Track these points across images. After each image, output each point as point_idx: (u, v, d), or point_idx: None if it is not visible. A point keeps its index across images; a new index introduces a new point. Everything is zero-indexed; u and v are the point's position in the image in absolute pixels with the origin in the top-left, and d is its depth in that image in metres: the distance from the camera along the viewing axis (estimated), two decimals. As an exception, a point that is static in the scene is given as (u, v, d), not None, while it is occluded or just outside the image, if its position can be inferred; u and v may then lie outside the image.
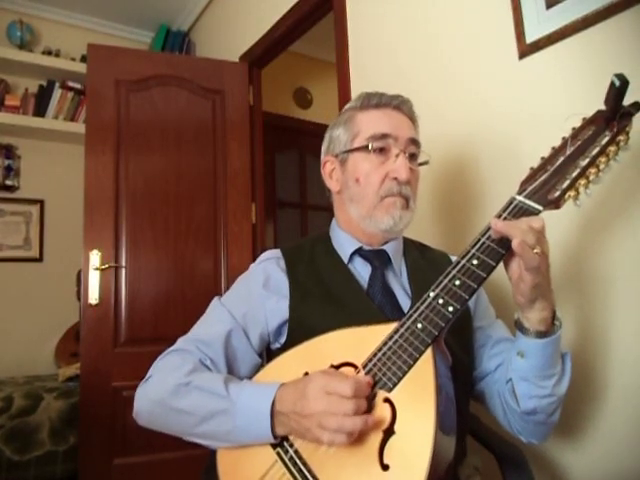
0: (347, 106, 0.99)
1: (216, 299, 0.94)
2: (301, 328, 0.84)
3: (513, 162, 1.20)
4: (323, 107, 3.52)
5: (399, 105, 0.94)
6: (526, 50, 1.16)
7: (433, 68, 1.45)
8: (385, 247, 0.94)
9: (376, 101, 0.93)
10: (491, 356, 0.90)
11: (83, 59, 2.91)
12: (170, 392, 0.77)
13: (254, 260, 0.99)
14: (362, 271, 0.93)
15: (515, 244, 0.64)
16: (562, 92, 1.09)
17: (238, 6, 2.63)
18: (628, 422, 0.96)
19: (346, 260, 0.93)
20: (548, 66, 1.13)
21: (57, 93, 2.90)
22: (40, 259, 2.93)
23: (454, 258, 0.72)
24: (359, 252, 0.94)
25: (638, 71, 0.93)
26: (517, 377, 0.78)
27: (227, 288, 0.98)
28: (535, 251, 0.64)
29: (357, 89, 1.76)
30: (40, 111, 2.86)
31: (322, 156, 1.01)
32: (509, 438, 0.96)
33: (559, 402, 0.78)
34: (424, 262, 0.97)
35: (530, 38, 1.15)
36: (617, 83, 0.66)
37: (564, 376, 0.77)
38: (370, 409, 0.66)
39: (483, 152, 1.28)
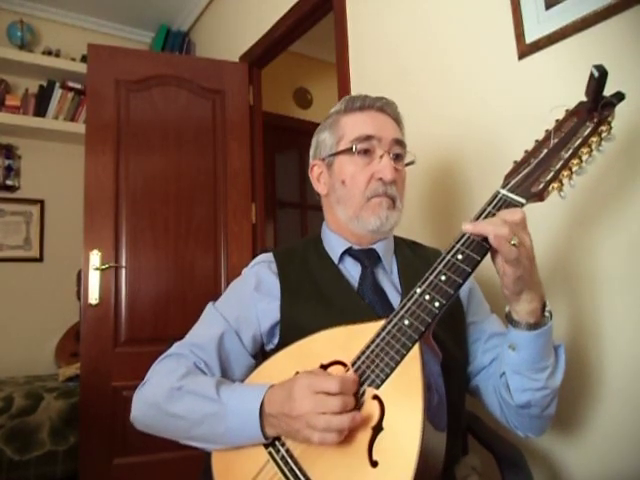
0: (332, 110, 1.00)
1: (210, 304, 0.95)
2: (293, 328, 0.84)
3: (512, 162, 1.20)
4: (323, 107, 3.52)
5: (383, 107, 0.95)
6: (526, 50, 1.16)
7: (433, 68, 1.45)
8: (375, 246, 0.94)
9: (360, 104, 0.94)
10: (485, 350, 0.90)
11: (83, 59, 2.91)
12: (164, 396, 0.79)
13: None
14: (352, 271, 0.94)
15: (490, 239, 0.65)
16: (562, 92, 1.09)
17: (238, 6, 2.63)
18: (625, 418, 0.96)
19: (336, 260, 0.94)
20: (548, 66, 1.13)
21: (57, 93, 2.90)
22: (40, 259, 2.93)
23: None
24: (349, 252, 0.95)
25: (638, 71, 0.94)
26: (510, 370, 0.78)
27: (227, 288, 0.98)
28: (512, 242, 0.64)
29: (357, 89, 1.76)
30: (40, 111, 2.86)
31: (310, 160, 1.02)
32: (508, 438, 0.96)
33: (554, 395, 0.78)
34: (415, 259, 0.98)
35: (530, 38, 1.15)
36: (596, 74, 0.66)
37: (557, 368, 0.77)
38: (359, 406, 0.67)
39: (483, 152, 1.28)
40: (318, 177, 1.00)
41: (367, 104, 0.94)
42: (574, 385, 1.01)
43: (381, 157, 0.90)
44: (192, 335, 0.91)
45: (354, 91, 1.77)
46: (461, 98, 1.35)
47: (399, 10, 1.58)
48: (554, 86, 1.11)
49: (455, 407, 0.78)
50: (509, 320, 0.75)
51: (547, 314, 0.73)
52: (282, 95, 3.45)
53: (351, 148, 0.91)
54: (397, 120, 0.97)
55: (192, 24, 3.15)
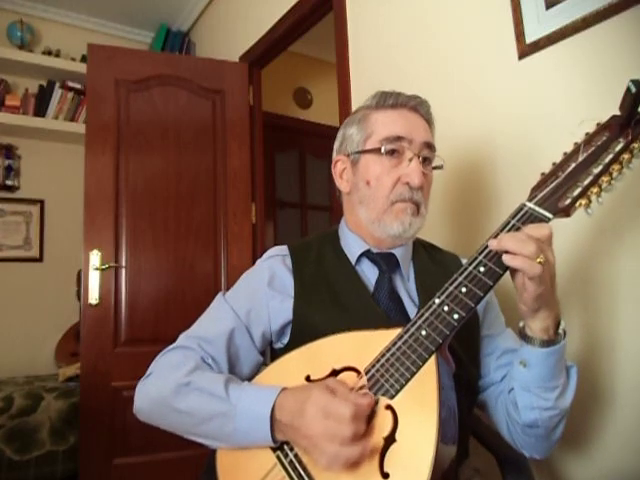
0: (362, 104, 0.96)
1: (220, 295, 0.92)
2: (305, 330, 0.82)
3: (513, 162, 1.20)
4: (323, 107, 3.51)
5: (416, 106, 0.90)
6: (526, 50, 1.16)
7: (433, 68, 1.45)
8: (394, 251, 0.91)
9: (392, 101, 0.90)
10: (498, 367, 0.87)
11: (83, 59, 2.91)
12: (171, 392, 0.77)
13: (254, 260, 0.98)
14: (369, 274, 0.91)
15: (507, 259, 0.63)
16: (562, 92, 1.09)
17: (238, 6, 2.63)
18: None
19: (353, 262, 0.91)
20: (548, 66, 1.12)
21: (57, 93, 2.90)
22: (40, 259, 2.93)
23: (464, 261, 0.71)
24: (367, 254, 0.91)
25: (638, 71, 0.94)
26: (519, 387, 0.75)
27: (227, 288, 0.97)
28: (538, 260, 0.62)
29: (357, 89, 1.76)
30: (40, 111, 2.86)
31: (334, 154, 0.98)
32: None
33: (562, 416, 0.75)
34: (433, 266, 0.94)
35: (530, 38, 1.15)
36: (633, 89, 0.64)
37: (568, 389, 0.75)
38: (371, 416, 0.65)
39: (483, 152, 1.28)
40: (341, 173, 0.95)
41: (400, 102, 0.90)
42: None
43: (410, 160, 0.86)
44: (200, 327, 0.88)
45: (354, 91, 1.77)
46: (461, 98, 1.35)
47: (399, 10, 1.58)
48: (554, 86, 1.11)
49: (463, 418, 0.75)
50: (522, 336, 0.73)
51: (561, 332, 0.71)
52: (282, 95, 3.45)
53: (379, 148, 0.87)
54: (429, 121, 0.93)
55: (192, 24, 3.15)
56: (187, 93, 2.38)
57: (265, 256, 0.95)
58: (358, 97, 1.73)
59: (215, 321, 0.88)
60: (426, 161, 0.89)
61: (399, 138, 0.86)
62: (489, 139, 1.26)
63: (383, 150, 0.86)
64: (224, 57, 2.61)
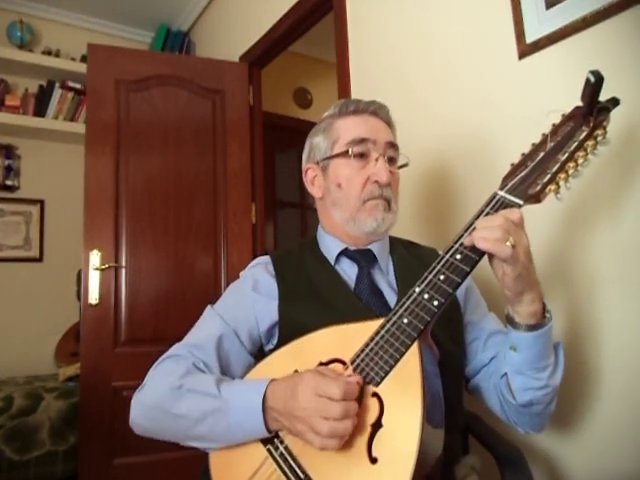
0: (325, 114, 1.01)
1: (209, 307, 0.96)
2: (291, 328, 0.85)
3: (510, 164, 1.19)
4: (323, 107, 3.48)
5: (376, 111, 0.96)
6: (526, 50, 1.16)
7: (433, 68, 1.45)
8: (370, 246, 0.95)
9: (353, 108, 0.96)
10: (485, 349, 0.91)
11: (83, 59, 2.91)
12: (164, 396, 0.79)
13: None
14: (349, 271, 0.95)
15: (476, 244, 0.66)
16: (562, 92, 1.09)
17: (238, 6, 2.63)
18: (623, 416, 0.97)
19: (333, 261, 0.95)
20: (548, 66, 1.13)
21: (57, 93, 2.90)
22: (40, 259, 2.93)
23: None
24: (345, 253, 0.95)
25: (638, 71, 0.94)
26: (512, 371, 0.78)
27: (225, 291, 0.99)
28: (507, 243, 0.65)
29: (357, 89, 1.76)
30: (40, 111, 2.86)
31: (303, 164, 1.03)
32: (508, 438, 0.96)
33: (554, 392, 0.79)
34: (411, 259, 0.99)
35: (530, 38, 1.15)
36: (592, 79, 0.67)
37: (558, 366, 0.78)
38: (359, 404, 0.67)
39: (483, 152, 1.28)
40: (312, 180, 1.01)
41: (360, 108, 0.96)
42: (573, 385, 1.02)
43: (376, 160, 0.91)
44: (190, 336, 0.91)
45: (354, 91, 1.77)
46: (461, 98, 1.35)
47: (399, 10, 1.58)
48: (554, 86, 1.11)
49: (452, 404, 0.78)
50: (509, 322, 0.76)
51: (547, 315, 0.74)
52: (282, 95, 3.45)
53: (347, 151, 0.92)
54: (389, 123, 0.99)
55: (192, 24, 3.15)
56: (187, 93, 2.38)
57: (248, 267, 0.99)
58: (358, 97, 1.72)
59: (204, 329, 0.92)
60: (391, 160, 0.95)
61: (364, 140, 0.92)
62: (489, 139, 1.26)
63: (350, 152, 0.91)
64: (224, 57, 2.62)
